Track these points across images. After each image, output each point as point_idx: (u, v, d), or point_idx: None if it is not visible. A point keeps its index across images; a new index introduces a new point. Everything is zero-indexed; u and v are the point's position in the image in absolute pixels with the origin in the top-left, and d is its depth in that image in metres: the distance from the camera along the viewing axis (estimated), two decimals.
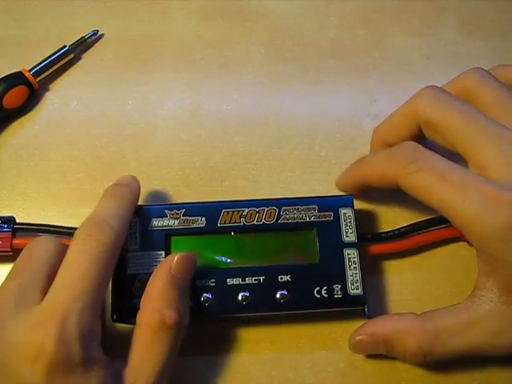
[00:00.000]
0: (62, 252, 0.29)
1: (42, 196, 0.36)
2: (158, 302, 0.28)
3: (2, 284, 0.28)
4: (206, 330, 0.33)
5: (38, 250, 0.29)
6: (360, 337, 0.31)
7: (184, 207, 0.32)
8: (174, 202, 0.35)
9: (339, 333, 0.33)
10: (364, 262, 0.32)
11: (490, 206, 0.27)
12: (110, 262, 0.28)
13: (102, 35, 0.40)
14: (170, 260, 0.29)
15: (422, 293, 0.34)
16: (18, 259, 0.29)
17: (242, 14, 0.41)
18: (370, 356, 0.32)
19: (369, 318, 0.32)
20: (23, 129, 0.37)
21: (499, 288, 0.29)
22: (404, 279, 0.34)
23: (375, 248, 0.33)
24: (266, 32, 0.41)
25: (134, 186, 0.32)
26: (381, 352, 0.31)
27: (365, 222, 0.35)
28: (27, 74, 0.37)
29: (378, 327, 0.31)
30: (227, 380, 0.32)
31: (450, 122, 0.30)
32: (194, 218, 0.32)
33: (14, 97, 0.36)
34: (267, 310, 0.31)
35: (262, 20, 0.41)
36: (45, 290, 0.27)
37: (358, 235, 0.32)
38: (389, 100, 0.39)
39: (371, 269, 0.34)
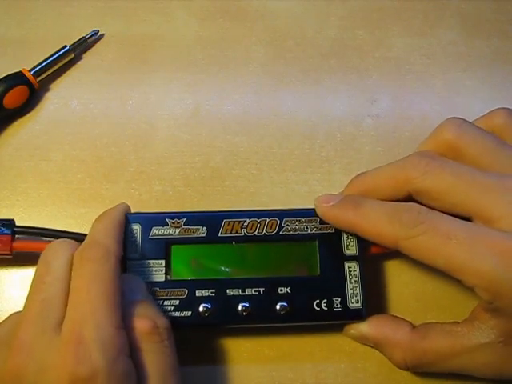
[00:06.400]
0: None
1: (42, 196, 0.36)
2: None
3: (26, 302, 0.27)
4: (206, 330, 0.33)
5: (53, 258, 0.28)
6: (353, 332, 0.32)
7: (185, 216, 0.32)
8: (175, 202, 0.36)
9: (340, 333, 0.33)
10: (363, 262, 0.32)
11: (502, 260, 0.26)
12: (108, 275, 0.27)
13: (102, 35, 0.40)
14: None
15: (421, 293, 0.34)
16: (36, 272, 0.28)
17: (243, 14, 0.41)
18: (370, 356, 0.33)
19: None
20: (24, 129, 0.37)
21: (500, 331, 0.28)
22: (404, 279, 0.34)
23: (375, 248, 0.33)
24: (267, 32, 0.41)
25: (118, 206, 0.32)
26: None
27: None
28: (27, 74, 0.37)
29: (371, 331, 0.31)
30: (227, 380, 0.32)
31: (443, 187, 0.29)
32: (194, 227, 0.32)
33: (14, 97, 0.36)
34: (267, 321, 0.31)
35: (263, 20, 0.41)
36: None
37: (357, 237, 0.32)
38: (389, 100, 0.39)
39: (371, 269, 0.34)
